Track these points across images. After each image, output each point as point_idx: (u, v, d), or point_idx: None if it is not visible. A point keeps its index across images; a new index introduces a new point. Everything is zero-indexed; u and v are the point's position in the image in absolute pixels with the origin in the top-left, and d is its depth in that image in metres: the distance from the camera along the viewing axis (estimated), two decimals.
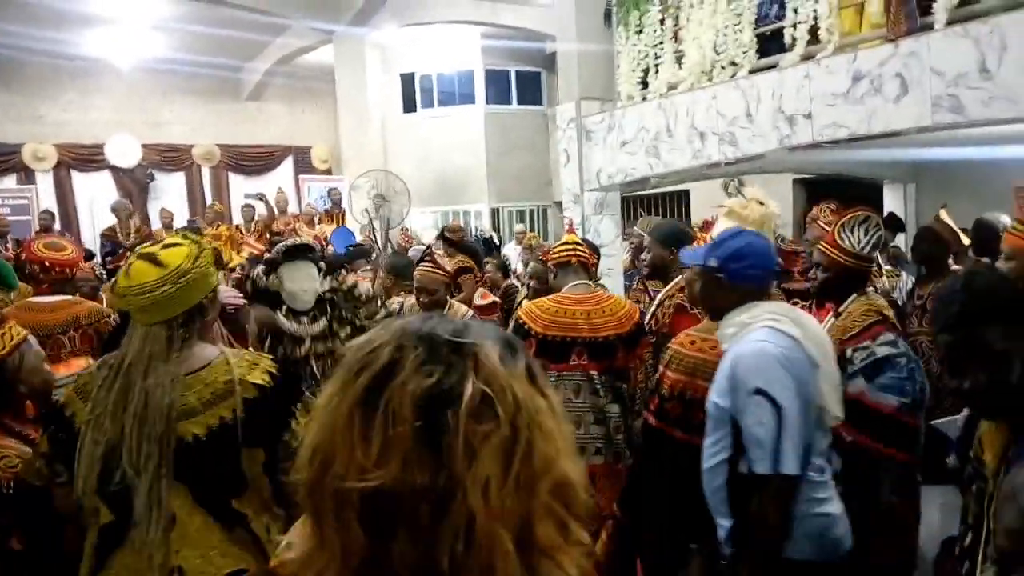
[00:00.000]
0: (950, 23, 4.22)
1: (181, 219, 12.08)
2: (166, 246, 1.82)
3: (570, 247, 3.52)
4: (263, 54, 13.33)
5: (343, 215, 10.82)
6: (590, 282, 3.56)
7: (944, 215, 4.24)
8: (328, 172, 14.19)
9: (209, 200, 13.34)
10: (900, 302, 4.52)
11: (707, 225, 2.72)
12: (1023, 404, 1.35)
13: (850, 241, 2.81)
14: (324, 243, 8.38)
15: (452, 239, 5.53)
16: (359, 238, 9.14)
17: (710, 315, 2.44)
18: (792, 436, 1.98)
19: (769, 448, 1.97)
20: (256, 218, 10.86)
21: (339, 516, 0.74)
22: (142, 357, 1.75)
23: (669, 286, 3.72)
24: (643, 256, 3.85)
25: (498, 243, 11.46)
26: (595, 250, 5.08)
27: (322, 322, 2.70)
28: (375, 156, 12.59)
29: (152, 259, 1.76)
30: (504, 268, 6.32)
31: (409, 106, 13.62)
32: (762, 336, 2.09)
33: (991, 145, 5.60)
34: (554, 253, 3.59)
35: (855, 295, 2.82)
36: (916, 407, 2.45)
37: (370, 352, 0.79)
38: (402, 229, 10.54)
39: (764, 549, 2.03)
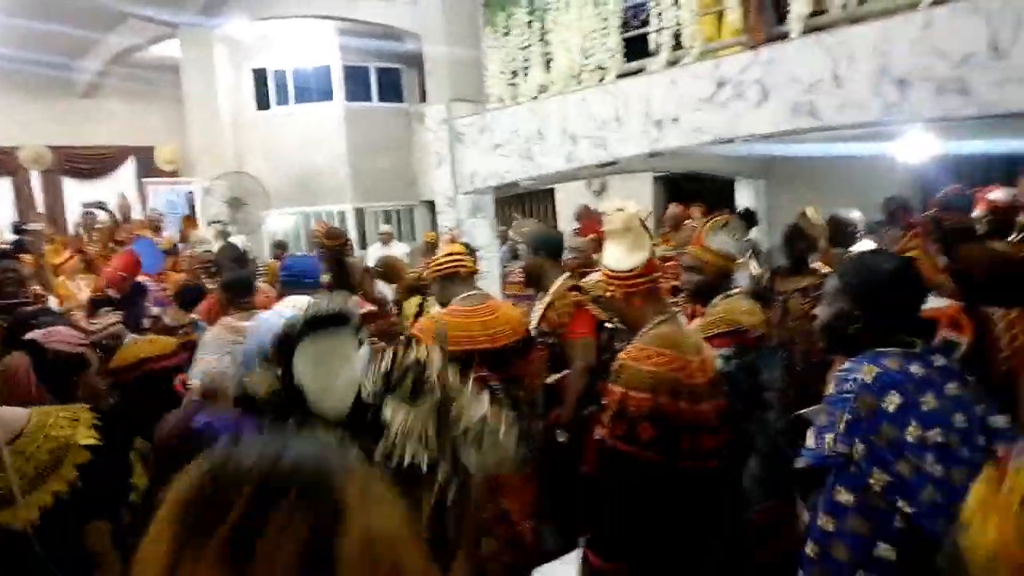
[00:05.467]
0: (805, 32, 4.48)
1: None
2: None
3: (455, 258, 3.44)
4: (98, 47, 12.24)
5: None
6: (481, 290, 3.51)
7: (811, 213, 4.50)
8: (174, 174, 13.28)
9: (41, 208, 12.15)
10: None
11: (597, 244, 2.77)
12: None
13: (717, 243, 3.01)
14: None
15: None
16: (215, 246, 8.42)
17: None
18: None
19: None
20: (97, 225, 10.02)
21: None
22: None
23: (556, 286, 3.76)
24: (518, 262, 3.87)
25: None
26: (472, 253, 4.98)
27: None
28: (226, 156, 11.90)
29: None
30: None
31: (263, 103, 13.00)
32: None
33: (836, 143, 6.00)
34: (437, 264, 3.46)
35: (720, 296, 3.01)
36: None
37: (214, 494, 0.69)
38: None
39: None
